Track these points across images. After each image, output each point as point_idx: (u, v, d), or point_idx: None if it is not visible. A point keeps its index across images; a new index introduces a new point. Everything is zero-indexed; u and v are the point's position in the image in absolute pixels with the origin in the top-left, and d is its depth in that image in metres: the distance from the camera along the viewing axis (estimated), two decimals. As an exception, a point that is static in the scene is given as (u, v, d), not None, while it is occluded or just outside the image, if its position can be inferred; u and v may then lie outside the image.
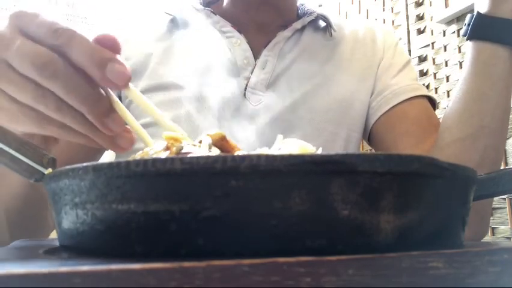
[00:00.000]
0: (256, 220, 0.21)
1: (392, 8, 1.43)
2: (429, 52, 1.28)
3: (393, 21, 1.43)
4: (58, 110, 0.34)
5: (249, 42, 0.67)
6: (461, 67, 1.15)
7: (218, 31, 0.68)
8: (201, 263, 0.17)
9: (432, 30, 1.28)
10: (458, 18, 1.19)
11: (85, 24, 1.83)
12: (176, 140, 0.30)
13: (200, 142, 0.30)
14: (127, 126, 0.36)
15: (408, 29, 1.36)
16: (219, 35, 0.68)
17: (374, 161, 0.21)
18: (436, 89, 1.24)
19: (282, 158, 0.21)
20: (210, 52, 0.66)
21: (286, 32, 0.69)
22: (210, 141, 0.30)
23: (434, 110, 0.70)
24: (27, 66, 0.32)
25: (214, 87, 0.63)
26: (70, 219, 0.25)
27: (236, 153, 0.30)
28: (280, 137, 0.35)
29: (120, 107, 0.35)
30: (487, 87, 0.56)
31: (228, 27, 0.68)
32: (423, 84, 1.22)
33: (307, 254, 0.19)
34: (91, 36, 0.34)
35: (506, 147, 1.00)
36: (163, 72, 0.65)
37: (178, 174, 0.21)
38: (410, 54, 1.32)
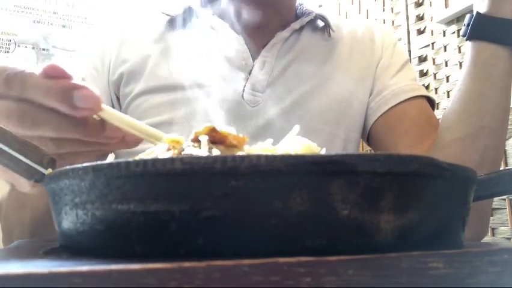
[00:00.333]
0: (257, 220, 0.21)
1: (392, 8, 1.43)
2: (429, 52, 1.28)
3: (393, 21, 1.43)
4: (58, 147, 0.35)
5: (247, 43, 0.67)
6: (461, 67, 1.15)
7: (216, 32, 0.68)
8: (201, 263, 0.17)
9: (432, 31, 1.28)
10: (458, 18, 1.19)
11: (85, 24, 1.83)
12: (178, 142, 0.30)
13: (196, 142, 0.30)
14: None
15: (408, 29, 1.36)
16: (217, 36, 0.68)
17: (374, 161, 0.21)
18: (436, 89, 1.24)
19: (282, 158, 0.21)
20: (208, 53, 0.66)
21: (285, 33, 0.69)
22: (207, 138, 0.29)
23: (433, 110, 0.70)
24: (7, 123, 0.32)
25: (212, 88, 0.62)
26: (70, 219, 0.25)
27: (231, 139, 0.29)
28: (296, 127, 0.34)
29: (112, 117, 0.35)
30: (487, 87, 0.56)
31: (226, 28, 0.68)
32: (423, 85, 1.22)
33: (307, 254, 0.19)
34: (39, 70, 0.33)
35: (506, 148, 1.00)
36: (161, 74, 0.65)
37: (178, 174, 0.21)
38: (410, 55, 1.32)
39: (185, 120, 0.62)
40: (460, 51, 1.18)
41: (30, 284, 0.16)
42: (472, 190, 0.28)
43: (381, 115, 0.68)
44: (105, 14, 1.83)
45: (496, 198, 0.94)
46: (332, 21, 0.73)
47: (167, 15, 0.70)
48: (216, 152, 0.29)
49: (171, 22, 0.70)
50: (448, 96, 1.19)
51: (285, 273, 0.18)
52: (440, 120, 0.63)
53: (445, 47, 1.23)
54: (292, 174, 0.21)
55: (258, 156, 0.20)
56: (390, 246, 0.22)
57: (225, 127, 0.31)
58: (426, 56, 1.29)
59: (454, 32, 1.20)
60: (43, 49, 1.74)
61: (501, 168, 0.90)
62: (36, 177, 0.30)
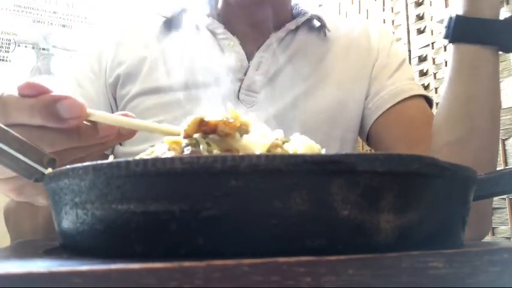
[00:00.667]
0: (257, 220, 0.21)
1: (392, 8, 1.43)
2: (429, 52, 1.28)
3: (393, 21, 1.42)
4: (60, 159, 0.35)
5: (242, 44, 0.67)
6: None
7: (211, 33, 0.68)
8: (201, 263, 0.17)
9: (432, 30, 1.28)
10: None
11: (85, 24, 1.83)
12: (177, 143, 0.30)
13: (188, 138, 0.30)
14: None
15: (408, 29, 1.36)
16: (212, 38, 0.68)
17: (374, 161, 0.21)
18: (436, 89, 1.23)
19: (282, 157, 0.21)
20: (203, 55, 0.66)
21: (280, 33, 0.69)
22: (204, 142, 0.29)
23: (431, 108, 0.70)
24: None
25: (208, 90, 0.62)
26: (69, 219, 0.25)
27: (222, 127, 0.29)
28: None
29: (102, 119, 0.35)
30: (474, 89, 0.55)
31: (221, 29, 0.68)
32: (423, 84, 1.22)
33: (307, 254, 0.19)
34: (16, 88, 0.33)
35: (506, 148, 1.00)
36: (156, 75, 0.65)
37: (178, 174, 0.21)
38: (410, 54, 1.32)
39: (179, 122, 0.62)
40: (460, 51, 1.17)
41: (30, 284, 0.16)
42: (472, 190, 0.28)
43: (379, 115, 0.68)
44: (105, 14, 1.83)
45: (496, 198, 0.94)
46: (328, 22, 0.73)
47: (163, 16, 0.70)
48: (214, 147, 0.29)
49: (167, 24, 0.70)
50: (448, 96, 1.19)
51: (285, 273, 0.18)
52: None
53: (445, 47, 1.23)
54: (292, 174, 0.21)
55: (258, 156, 0.20)
56: (390, 246, 0.22)
57: (217, 109, 0.31)
58: (426, 56, 1.29)
59: (454, 32, 1.20)
60: (43, 49, 1.74)
61: (501, 168, 0.90)
62: (36, 177, 0.30)
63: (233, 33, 0.68)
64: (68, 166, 0.24)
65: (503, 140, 1.00)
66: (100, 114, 0.35)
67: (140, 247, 0.22)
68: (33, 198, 0.38)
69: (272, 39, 0.68)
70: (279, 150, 0.30)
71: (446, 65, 1.22)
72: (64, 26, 1.80)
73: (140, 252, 0.22)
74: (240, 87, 0.64)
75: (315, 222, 0.21)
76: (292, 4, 0.75)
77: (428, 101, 0.70)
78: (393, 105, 0.67)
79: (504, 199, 1.00)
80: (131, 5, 1.65)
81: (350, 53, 0.72)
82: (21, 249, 0.29)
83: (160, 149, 0.31)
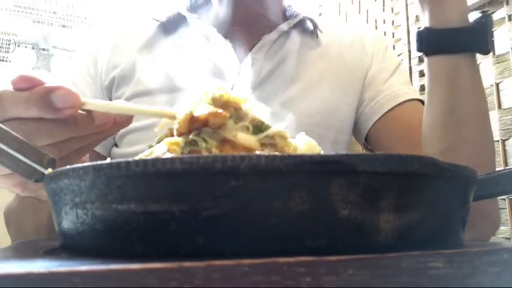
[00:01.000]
0: (256, 220, 0.21)
1: (392, 8, 1.43)
2: (429, 52, 1.27)
3: (393, 21, 1.42)
4: (60, 151, 0.35)
5: (234, 47, 0.67)
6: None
7: (203, 36, 0.69)
8: (201, 263, 0.17)
9: (432, 31, 1.27)
10: (491, 13, 1.18)
11: (85, 24, 1.83)
12: (177, 144, 0.31)
13: (191, 141, 0.30)
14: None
15: (408, 29, 1.36)
16: (204, 40, 0.68)
17: (374, 161, 0.21)
18: (436, 89, 1.23)
19: (282, 158, 0.21)
20: (195, 57, 0.66)
21: (272, 35, 0.69)
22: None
23: None
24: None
25: (199, 91, 0.63)
26: (70, 219, 0.25)
27: (213, 120, 0.30)
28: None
29: (97, 107, 0.35)
30: (456, 98, 0.54)
31: (213, 31, 0.68)
32: (423, 85, 1.22)
33: (307, 254, 0.19)
34: (10, 82, 0.34)
35: (506, 148, 1.00)
36: (149, 78, 0.66)
37: (178, 174, 0.21)
38: (409, 55, 1.32)
39: (172, 124, 0.62)
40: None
41: (30, 284, 0.16)
42: (472, 190, 0.28)
43: (377, 120, 0.69)
44: (105, 14, 1.83)
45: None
46: (321, 24, 0.73)
47: (157, 20, 0.71)
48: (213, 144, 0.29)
49: (160, 27, 0.71)
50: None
51: (285, 273, 0.18)
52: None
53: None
54: (292, 174, 0.21)
55: (258, 156, 0.20)
56: (390, 246, 0.22)
57: (206, 86, 0.31)
58: (426, 56, 1.29)
59: (454, 32, 1.20)
60: (43, 49, 1.74)
61: (501, 168, 0.90)
62: (36, 177, 0.30)
63: (225, 36, 0.68)
64: (68, 166, 0.24)
65: (503, 140, 1.00)
66: (94, 103, 0.35)
67: (140, 247, 0.22)
68: (38, 193, 0.38)
69: (264, 41, 0.68)
70: (278, 141, 0.31)
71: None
72: (63, 26, 1.80)
73: (140, 252, 0.22)
74: (232, 89, 0.65)
75: (315, 222, 0.21)
76: (285, 6, 0.75)
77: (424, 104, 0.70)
78: (390, 109, 0.68)
79: (504, 199, 1.00)
80: (131, 6, 1.65)
81: (343, 56, 0.73)
82: (21, 250, 0.29)
83: (160, 150, 0.31)
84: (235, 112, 0.32)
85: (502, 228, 1.01)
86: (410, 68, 1.27)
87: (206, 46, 0.68)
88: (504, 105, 1.01)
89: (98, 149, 0.69)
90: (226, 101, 0.32)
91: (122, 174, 0.22)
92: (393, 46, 1.35)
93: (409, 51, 1.34)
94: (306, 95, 0.67)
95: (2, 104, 0.33)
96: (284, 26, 0.70)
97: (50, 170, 0.30)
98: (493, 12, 1.09)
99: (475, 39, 0.53)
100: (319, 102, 0.67)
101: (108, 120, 0.36)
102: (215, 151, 0.30)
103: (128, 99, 0.66)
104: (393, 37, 1.36)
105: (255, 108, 0.33)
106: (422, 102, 0.69)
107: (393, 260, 0.20)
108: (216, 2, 0.71)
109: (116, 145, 0.70)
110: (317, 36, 0.72)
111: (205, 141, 0.30)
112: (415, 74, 1.25)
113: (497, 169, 0.59)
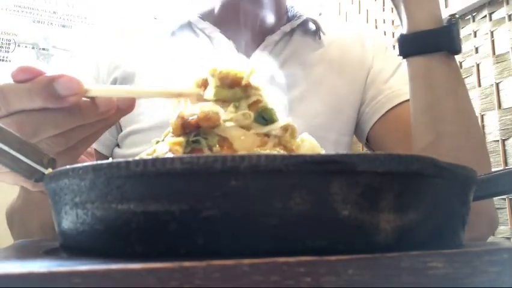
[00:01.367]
0: (257, 220, 0.21)
1: (392, 8, 1.43)
2: (429, 52, 1.27)
3: (393, 21, 1.42)
4: (67, 141, 0.35)
5: (237, 48, 0.67)
6: (461, 67, 1.15)
7: (207, 37, 0.68)
8: (201, 262, 0.17)
9: (432, 30, 1.27)
10: (459, 18, 1.18)
11: (85, 24, 1.83)
12: (179, 144, 0.31)
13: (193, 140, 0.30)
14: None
15: (408, 29, 1.35)
16: (208, 42, 0.68)
17: (374, 161, 0.21)
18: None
19: (283, 158, 0.21)
20: (198, 59, 0.66)
21: (275, 36, 0.69)
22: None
23: None
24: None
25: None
26: (69, 219, 0.25)
27: (204, 120, 0.30)
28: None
29: (100, 92, 0.35)
30: (431, 97, 0.57)
31: (216, 33, 0.68)
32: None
33: (307, 254, 0.19)
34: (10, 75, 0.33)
35: (506, 148, 1.00)
36: (152, 79, 0.66)
37: (178, 174, 0.21)
38: (410, 54, 1.32)
39: (174, 119, 0.62)
40: (459, 51, 1.17)
41: (30, 284, 0.16)
42: (472, 190, 0.28)
43: (378, 119, 0.69)
44: (105, 14, 1.83)
45: (495, 198, 0.94)
46: (324, 26, 0.73)
47: (160, 21, 0.71)
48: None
49: (162, 28, 0.70)
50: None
51: (285, 273, 0.18)
52: None
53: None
54: (292, 174, 0.21)
55: (258, 156, 0.20)
56: (390, 246, 0.22)
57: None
58: (426, 56, 1.29)
59: (454, 32, 1.20)
60: (43, 49, 1.74)
61: (501, 168, 0.90)
62: (37, 177, 0.30)
63: (228, 37, 0.68)
64: (68, 166, 0.24)
65: (503, 140, 1.00)
66: (97, 88, 0.35)
67: (140, 247, 0.22)
68: (18, 179, 0.37)
69: (267, 42, 0.68)
70: (282, 134, 0.31)
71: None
72: (63, 26, 1.80)
73: (140, 252, 0.22)
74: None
75: (315, 222, 0.21)
76: (287, 6, 0.75)
77: None
78: (391, 109, 0.68)
79: (504, 199, 1.00)
80: (131, 6, 1.65)
81: (345, 57, 0.73)
82: (21, 249, 0.29)
83: (162, 149, 0.31)
84: (243, 92, 0.32)
85: (501, 228, 1.01)
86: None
87: (209, 47, 0.68)
88: (504, 105, 1.01)
89: (101, 149, 0.69)
90: (233, 78, 0.32)
91: (122, 174, 0.22)
92: (393, 46, 1.35)
93: (409, 51, 1.34)
94: (308, 97, 0.67)
95: (5, 97, 0.33)
96: (287, 27, 0.70)
97: (50, 170, 0.30)
98: (493, 12, 1.09)
99: (444, 39, 0.57)
100: (321, 105, 0.67)
101: (112, 106, 0.36)
102: (217, 149, 0.30)
103: None
104: (393, 37, 1.36)
105: (264, 88, 0.33)
106: None
107: (393, 260, 0.20)
108: (218, 3, 0.71)
109: (118, 146, 0.70)
110: (320, 38, 0.72)
111: (206, 138, 0.30)
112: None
113: (497, 169, 0.59)
